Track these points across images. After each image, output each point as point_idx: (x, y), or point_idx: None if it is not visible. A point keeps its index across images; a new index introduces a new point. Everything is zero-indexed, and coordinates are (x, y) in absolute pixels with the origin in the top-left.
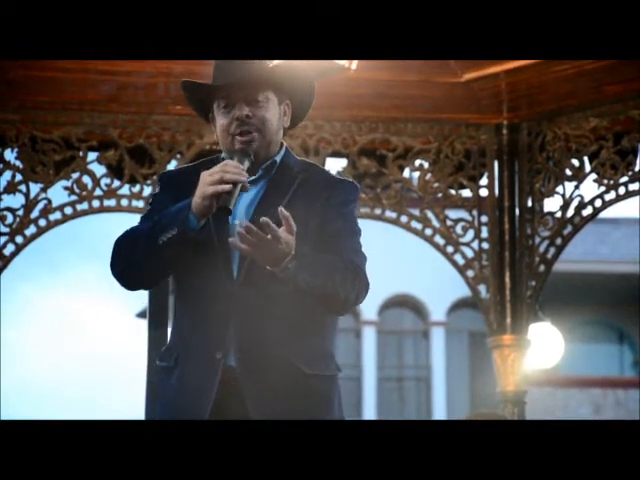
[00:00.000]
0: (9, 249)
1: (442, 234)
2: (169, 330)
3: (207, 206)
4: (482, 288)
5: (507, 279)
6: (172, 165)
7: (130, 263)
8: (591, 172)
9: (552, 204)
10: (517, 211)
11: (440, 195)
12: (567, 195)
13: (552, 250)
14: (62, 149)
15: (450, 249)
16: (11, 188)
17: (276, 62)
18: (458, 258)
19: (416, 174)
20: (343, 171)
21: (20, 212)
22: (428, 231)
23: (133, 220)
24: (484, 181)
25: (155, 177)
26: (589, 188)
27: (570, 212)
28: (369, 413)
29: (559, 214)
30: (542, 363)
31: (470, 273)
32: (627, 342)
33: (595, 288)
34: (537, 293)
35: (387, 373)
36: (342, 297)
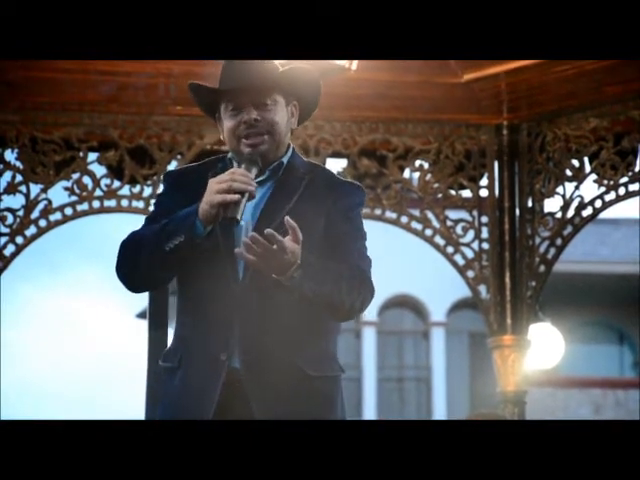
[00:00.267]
0: (9, 250)
1: (442, 234)
2: (169, 331)
3: (214, 214)
4: (482, 288)
5: (507, 279)
6: (172, 166)
7: (136, 266)
8: (591, 173)
9: (552, 204)
10: (517, 211)
11: (440, 196)
12: (567, 196)
13: (552, 250)
14: (62, 150)
15: (450, 249)
16: (11, 189)
17: (284, 65)
18: (458, 258)
19: (416, 175)
20: (343, 171)
21: (20, 213)
22: (428, 231)
23: (133, 220)
24: (484, 182)
25: (155, 178)
26: (589, 189)
27: (570, 213)
28: (369, 413)
29: (559, 215)
30: (542, 363)
31: (470, 273)
32: (627, 343)
33: (595, 289)
34: (537, 293)
35: (387, 373)
36: (348, 305)
